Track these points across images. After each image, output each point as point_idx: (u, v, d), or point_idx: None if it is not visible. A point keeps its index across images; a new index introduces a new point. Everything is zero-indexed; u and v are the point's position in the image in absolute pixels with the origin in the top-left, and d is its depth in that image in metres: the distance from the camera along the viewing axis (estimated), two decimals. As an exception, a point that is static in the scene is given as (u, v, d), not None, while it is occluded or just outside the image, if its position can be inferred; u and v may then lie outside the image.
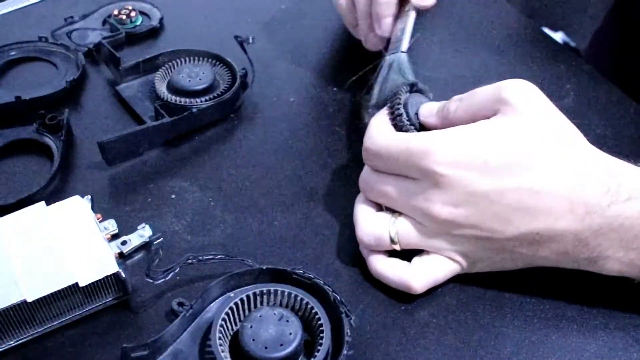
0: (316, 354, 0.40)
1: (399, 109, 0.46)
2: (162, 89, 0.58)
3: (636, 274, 0.43)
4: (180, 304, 0.44)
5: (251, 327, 0.40)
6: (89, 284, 0.42)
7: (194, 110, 0.56)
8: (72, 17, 0.67)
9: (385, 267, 0.45)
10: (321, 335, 0.41)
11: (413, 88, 0.49)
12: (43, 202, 0.47)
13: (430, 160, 0.41)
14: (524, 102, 0.42)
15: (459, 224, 0.42)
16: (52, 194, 0.52)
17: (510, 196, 0.40)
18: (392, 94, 0.48)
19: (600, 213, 0.40)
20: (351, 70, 0.63)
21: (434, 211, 0.42)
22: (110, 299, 0.45)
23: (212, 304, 0.43)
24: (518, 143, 0.41)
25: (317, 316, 0.41)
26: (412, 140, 0.43)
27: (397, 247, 0.45)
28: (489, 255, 0.44)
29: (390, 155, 0.43)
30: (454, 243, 0.43)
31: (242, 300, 0.42)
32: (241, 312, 0.42)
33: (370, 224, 0.45)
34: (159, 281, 0.44)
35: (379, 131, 0.45)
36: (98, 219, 0.47)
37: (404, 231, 0.44)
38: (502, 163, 0.40)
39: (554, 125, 0.42)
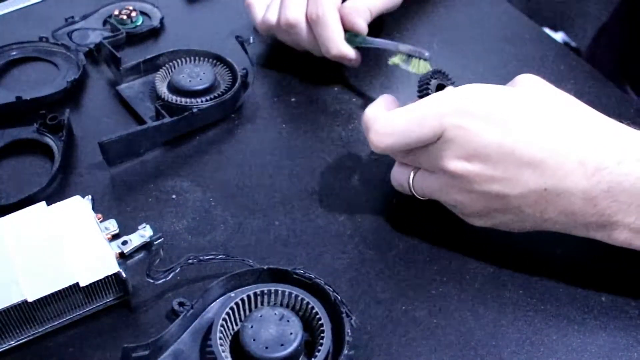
0: (317, 354, 0.40)
1: (428, 89, 0.49)
2: (162, 89, 0.58)
3: None
4: (180, 304, 0.44)
5: (252, 327, 0.40)
6: (90, 284, 0.42)
7: (195, 110, 0.56)
8: (72, 17, 0.67)
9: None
10: (322, 335, 0.41)
11: (436, 75, 0.52)
12: (44, 202, 0.47)
13: (441, 114, 0.43)
14: (535, 82, 0.44)
15: (471, 180, 0.43)
16: (53, 194, 0.52)
17: (522, 149, 0.41)
18: (422, 78, 0.51)
19: (610, 170, 0.40)
20: (351, 70, 0.63)
21: (449, 166, 0.43)
22: (111, 299, 0.45)
23: (212, 304, 0.43)
24: (529, 104, 0.42)
25: (317, 316, 0.41)
26: (421, 106, 0.44)
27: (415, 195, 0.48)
28: (493, 215, 0.45)
29: (411, 137, 0.44)
30: (463, 198, 0.44)
31: (242, 300, 0.42)
32: (242, 312, 0.42)
33: (395, 171, 0.49)
34: (160, 281, 0.44)
35: (387, 124, 0.45)
36: (99, 219, 0.47)
37: (419, 183, 0.47)
38: (513, 117, 0.42)
39: (565, 96, 0.44)
